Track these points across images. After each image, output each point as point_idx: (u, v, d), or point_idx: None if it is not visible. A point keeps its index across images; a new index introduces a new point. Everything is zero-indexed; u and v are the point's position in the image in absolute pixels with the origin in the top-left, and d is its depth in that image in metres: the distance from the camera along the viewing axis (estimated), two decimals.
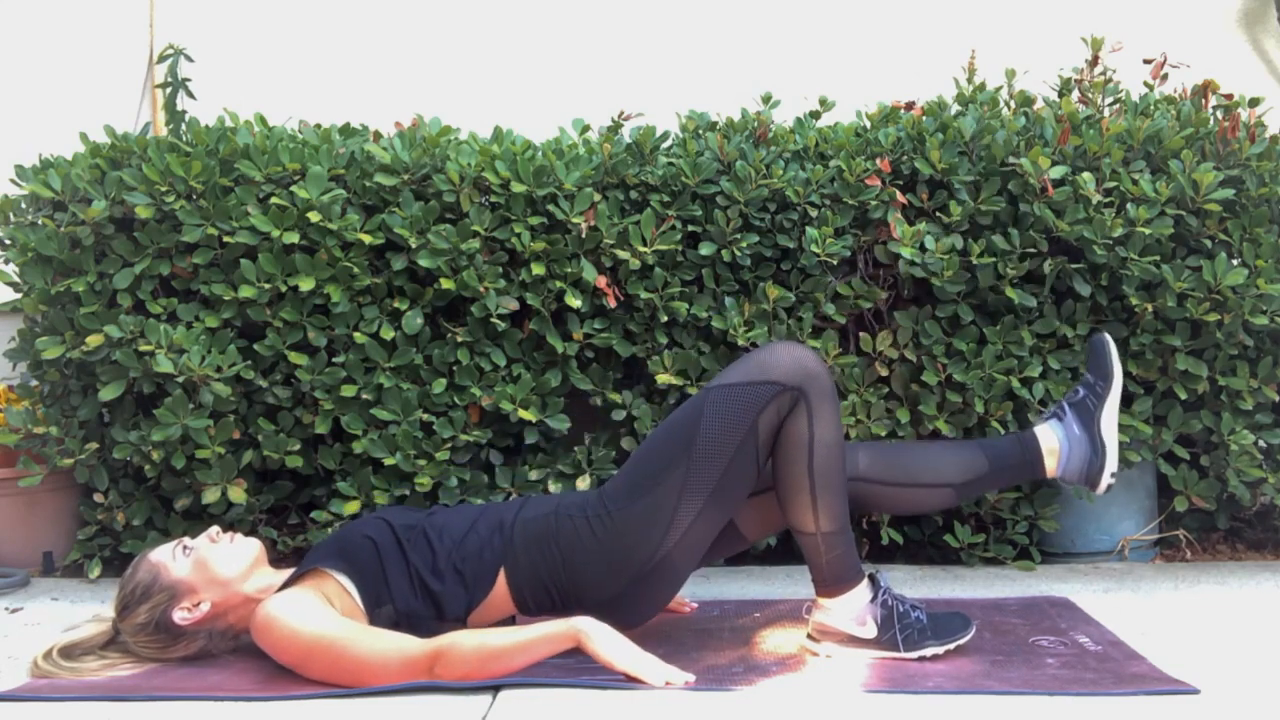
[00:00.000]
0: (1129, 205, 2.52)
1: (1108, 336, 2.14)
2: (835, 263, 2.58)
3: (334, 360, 2.57)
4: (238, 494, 2.58)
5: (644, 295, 2.55)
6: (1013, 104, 2.82)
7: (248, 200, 2.53)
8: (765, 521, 2.07)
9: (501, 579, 1.94)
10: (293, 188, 2.51)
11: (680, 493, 1.89)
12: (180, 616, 1.94)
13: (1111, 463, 2.08)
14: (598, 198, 2.54)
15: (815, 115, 2.83)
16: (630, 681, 1.76)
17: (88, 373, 2.64)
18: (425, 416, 2.57)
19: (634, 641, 1.81)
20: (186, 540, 2.00)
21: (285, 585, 1.93)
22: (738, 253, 2.56)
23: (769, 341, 1.98)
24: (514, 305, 2.54)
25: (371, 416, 2.56)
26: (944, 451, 2.12)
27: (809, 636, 1.99)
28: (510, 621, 1.98)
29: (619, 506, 1.92)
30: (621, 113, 2.81)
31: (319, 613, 1.85)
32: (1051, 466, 2.08)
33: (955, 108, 2.80)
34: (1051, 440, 2.08)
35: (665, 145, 2.67)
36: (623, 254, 2.52)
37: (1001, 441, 2.13)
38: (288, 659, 1.85)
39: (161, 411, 2.49)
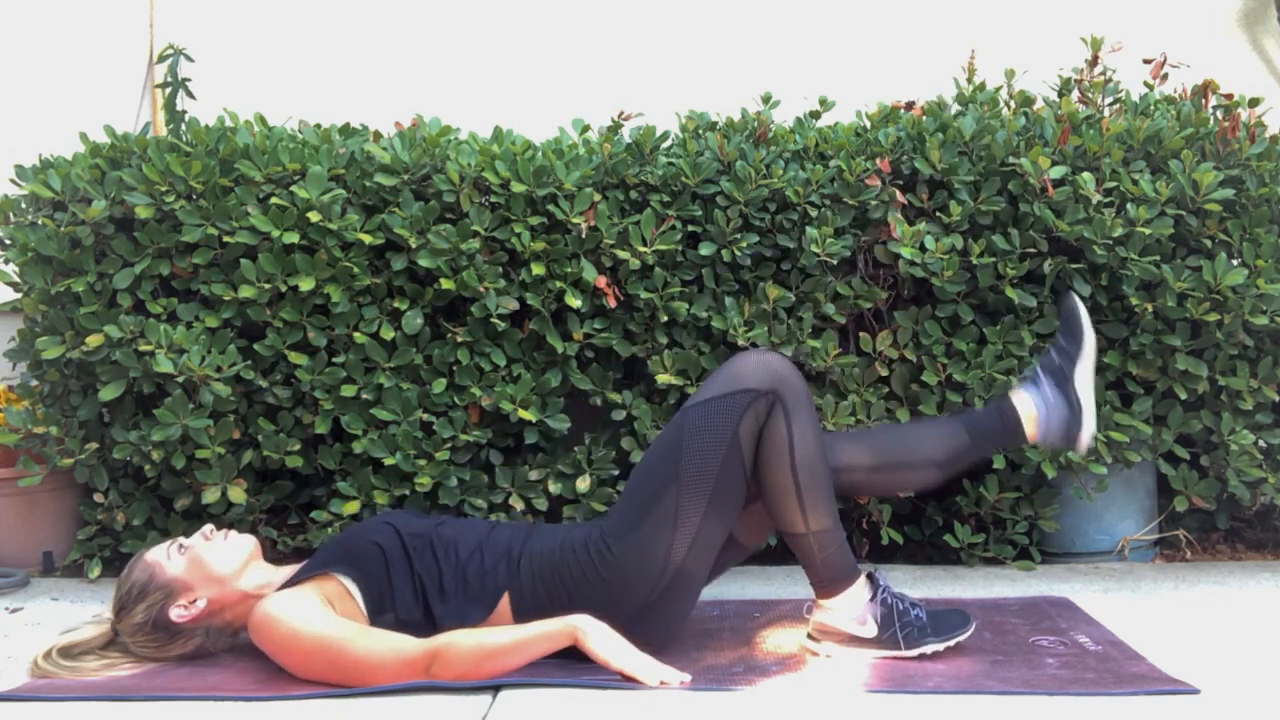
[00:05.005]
0: (1129, 205, 2.52)
1: (1078, 299, 2.15)
2: (835, 263, 2.58)
3: (334, 360, 2.57)
4: (238, 494, 2.58)
5: (644, 295, 2.55)
6: (1013, 104, 2.82)
7: (248, 200, 2.53)
8: (759, 527, 2.07)
9: (505, 605, 1.93)
10: (293, 188, 2.51)
11: (675, 516, 1.89)
12: (177, 614, 1.95)
13: (1089, 423, 2.09)
14: (598, 198, 2.54)
15: (815, 115, 2.83)
16: (628, 681, 1.77)
17: (88, 373, 2.64)
18: (425, 416, 2.57)
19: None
20: (181, 539, 2.01)
21: (287, 585, 1.94)
22: (738, 253, 2.55)
23: (738, 353, 1.98)
24: (514, 305, 2.54)
25: (371, 416, 2.56)
26: (925, 430, 2.14)
27: (809, 636, 1.99)
28: None
29: (617, 540, 1.91)
30: (621, 113, 2.80)
31: (318, 613, 1.85)
32: (1032, 432, 2.09)
33: (955, 108, 2.80)
34: (1029, 406, 2.09)
35: (665, 145, 2.67)
36: (623, 254, 2.51)
37: (980, 413, 2.15)
38: (285, 658, 1.86)
39: (161, 411, 2.49)
